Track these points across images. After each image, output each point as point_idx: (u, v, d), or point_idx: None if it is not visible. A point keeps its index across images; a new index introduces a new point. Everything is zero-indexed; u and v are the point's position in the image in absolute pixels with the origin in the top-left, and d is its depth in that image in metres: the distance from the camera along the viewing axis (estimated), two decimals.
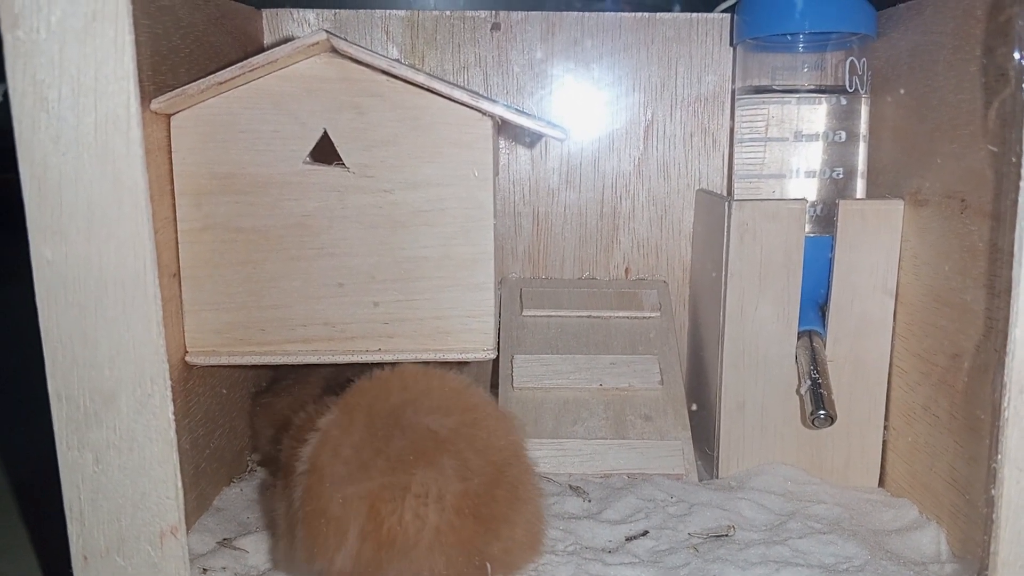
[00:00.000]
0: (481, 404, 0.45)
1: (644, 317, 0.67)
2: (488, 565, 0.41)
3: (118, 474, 0.40)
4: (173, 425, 0.40)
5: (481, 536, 0.41)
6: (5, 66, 0.36)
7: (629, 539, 0.51)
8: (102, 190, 0.38)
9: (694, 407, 0.63)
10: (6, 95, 0.37)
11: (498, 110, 0.49)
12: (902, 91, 0.56)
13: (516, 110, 0.50)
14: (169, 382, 0.40)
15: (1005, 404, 0.39)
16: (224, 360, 0.51)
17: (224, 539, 0.52)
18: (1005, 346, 0.39)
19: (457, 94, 0.48)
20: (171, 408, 0.40)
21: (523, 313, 0.67)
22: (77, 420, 0.40)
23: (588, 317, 0.67)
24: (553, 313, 0.67)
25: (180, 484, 0.41)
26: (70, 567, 0.42)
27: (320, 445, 0.42)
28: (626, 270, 0.71)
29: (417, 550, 0.40)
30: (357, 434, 0.42)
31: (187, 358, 0.51)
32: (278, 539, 0.46)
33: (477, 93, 0.49)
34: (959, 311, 0.49)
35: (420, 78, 0.47)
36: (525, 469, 0.45)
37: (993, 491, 0.40)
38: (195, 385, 0.53)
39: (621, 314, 0.67)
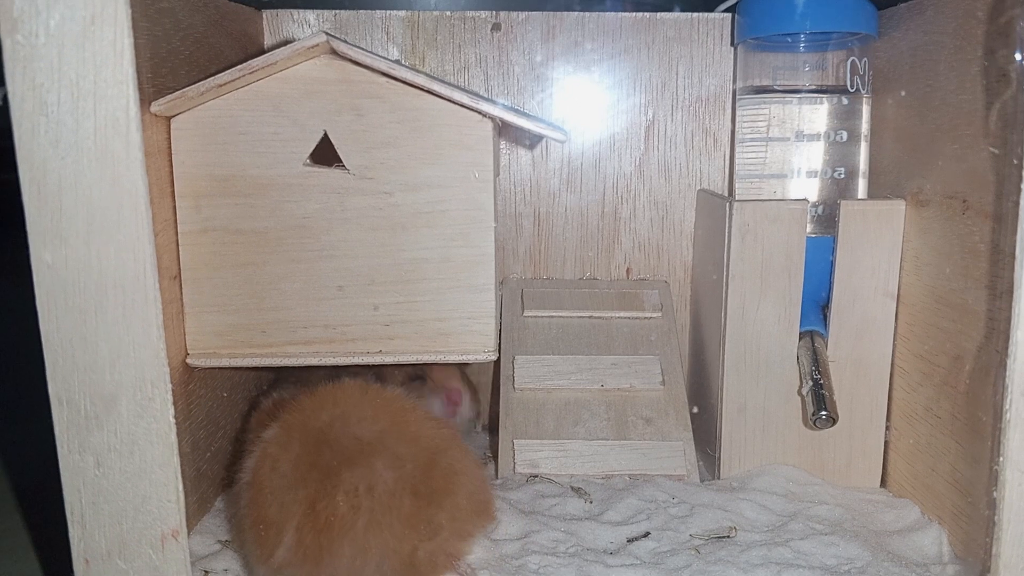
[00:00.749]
0: (411, 409, 0.49)
1: (645, 317, 0.67)
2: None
3: (119, 477, 0.41)
4: (174, 428, 0.40)
5: (424, 509, 0.44)
6: (4, 70, 0.36)
7: (631, 540, 0.51)
8: (102, 194, 0.38)
9: (695, 410, 0.63)
10: (6, 99, 0.36)
11: (498, 112, 0.48)
12: (903, 91, 0.56)
13: (516, 111, 0.50)
14: (170, 385, 0.40)
15: (1007, 406, 0.39)
16: (225, 362, 0.51)
17: (225, 540, 0.52)
18: (1007, 348, 0.39)
19: (457, 96, 0.48)
20: (172, 411, 0.40)
21: (524, 314, 0.67)
22: (78, 424, 0.40)
23: (589, 318, 0.67)
24: (554, 314, 0.67)
25: (181, 487, 0.41)
26: (72, 570, 0.42)
27: (261, 459, 0.45)
28: (627, 270, 0.71)
29: (356, 530, 0.43)
30: (294, 450, 0.45)
31: (188, 360, 0.51)
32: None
33: (477, 94, 0.49)
34: (960, 312, 0.49)
35: (420, 80, 0.47)
36: (460, 450, 0.49)
37: (995, 493, 0.40)
38: (196, 387, 0.53)
39: (622, 314, 0.67)
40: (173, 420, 0.40)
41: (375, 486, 0.44)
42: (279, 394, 0.56)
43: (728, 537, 0.51)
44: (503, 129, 0.64)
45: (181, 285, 0.51)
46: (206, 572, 0.49)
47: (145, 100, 0.45)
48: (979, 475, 0.46)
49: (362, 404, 0.48)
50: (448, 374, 0.63)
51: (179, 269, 0.51)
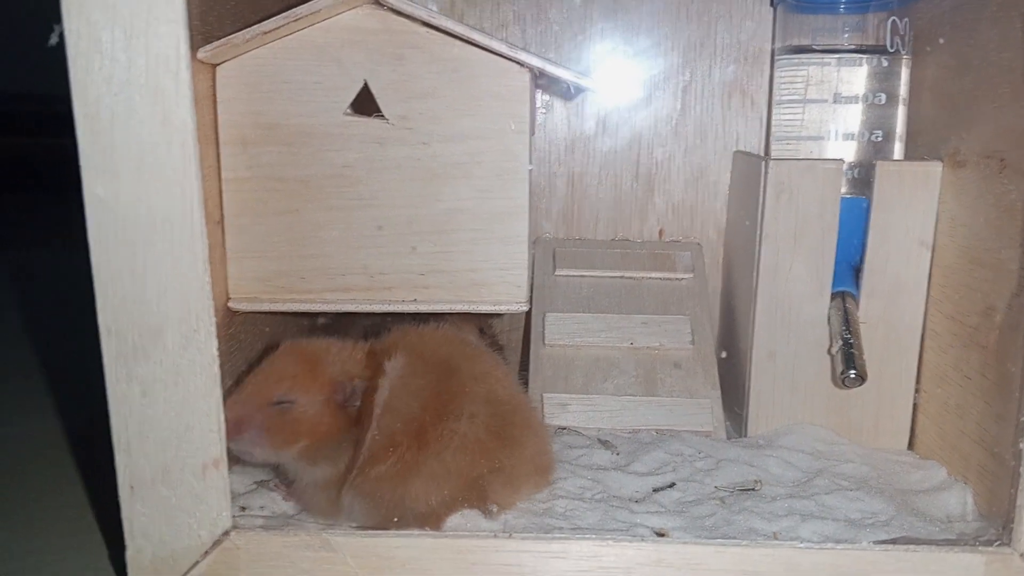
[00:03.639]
0: (499, 362, 0.54)
1: (677, 279, 0.67)
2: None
3: (164, 407, 0.42)
4: (217, 360, 0.42)
5: (499, 449, 0.48)
6: (61, 7, 0.38)
7: (656, 490, 0.52)
8: (152, 130, 0.39)
9: (724, 354, 0.63)
10: (61, 36, 0.38)
11: (535, 61, 0.49)
12: (943, 51, 0.56)
13: (553, 62, 0.50)
14: (214, 319, 0.41)
15: None
16: (266, 306, 0.53)
17: (262, 480, 0.54)
18: None
19: (495, 45, 0.48)
20: (215, 344, 0.42)
21: (556, 273, 0.68)
22: (125, 354, 0.42)
23: (621, 278, 0.67)
24: (586, 273, 0.68)
25: (223, 418, 0.42)
26: (117, 497, 0.43)
27: (393, 389, 0.48)
28: (660, 232, 0.72)
29: (448, 451, 0.47)
30: (419, 380, 0.48)
31: (230, 304, 0.53)
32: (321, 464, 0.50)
33: (515, 46, 0.49)
34: (993, 271, 0.49)
35: (459, 29, 0.48)
36: (535, 411, 0.55)
37: (1021, 445, 0.41)
38: (237, 331, 0.54)
39: (654, 275, 0.67)
40: (216, 353, 0.42)
41: (476, 415, 0.48)
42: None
43: (753, 490, 0.52)
44: (539, 84, 0.64)
45: (224, 230, 0.52)
46: (243, 508, 0.51)
47: (192, 47, 0.46)
48: (1006, 433, 0.46)
49: (464, 346, 0.52)
50: (465, 329, 0.64)
51: (222, 215, 0.52)
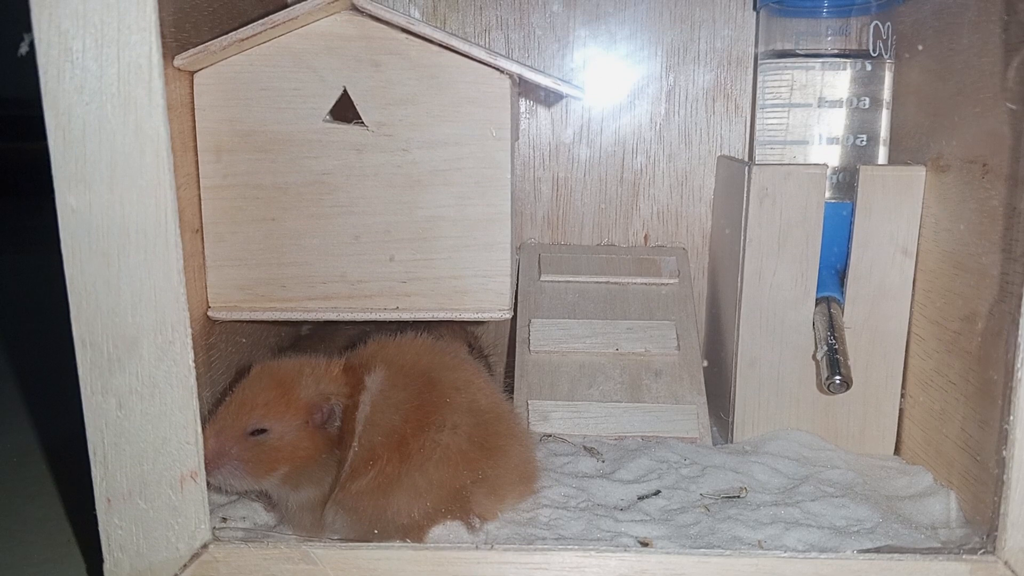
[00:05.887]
0: (481, 371, 0.53)
1: (662, 284, 0.67)
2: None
3: (140, 419, 0.42)
4: (193, 372, 0.41)
5: (483, 459, 0.47)
6: (31, 16, 0.37)
7: (641, 498, 0.51)
8: (124, 139, 0.38)
9: (705, 363, 0.63)
10: (32, 45, 0.37)
11: (516, 68, 0.49)
12: (926, 55, 0.55)
13: (534, 69, 0.50)
14: (190, 330, 0.41)
15: (1018, 365, 0.39)
16: (245, 315, 0.52)
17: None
18: (1020, 308, 0.39)
19: (475, 52, 0.48)
20: (191, 355, 0.41)
21: (541, 278, 0.67)
22: (101, 365, 0.41)
23: (606, 283, 0.67)
24: (571, 279, 0.67)
25: (200, 430, 0.42)
26: (94, 509, 0.43)
27: (374, 404, 0.47)
28: (645, 237, 0.71)
29: (430, 463, 0.46)
30: (399, 393, 0.47)
31: (209, 313, 0.52)
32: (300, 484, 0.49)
33: (496, 52, 0.49)
34: (976, 276, 0.48)
35: (439, 35, 0.47)
36: (519, 420, 0.53)
37: (1004, 452, 0.40)
38: (217, 340, 0.54)
39: (639, 280, 0.67)
40: (192, 364, 0.41)
41: (459, 426, 0.47)
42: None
43: (738, 497, 0.51)
44: (522, 89, 0.64)
45: (203, 239, 0.52)
46: (224, 519, 0.50)
47: (169, 54, 0.46)
48: (989, 439, 0.46)
49: (445, 355, 0.51)
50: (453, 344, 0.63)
51: (201, 223, 0.51)
